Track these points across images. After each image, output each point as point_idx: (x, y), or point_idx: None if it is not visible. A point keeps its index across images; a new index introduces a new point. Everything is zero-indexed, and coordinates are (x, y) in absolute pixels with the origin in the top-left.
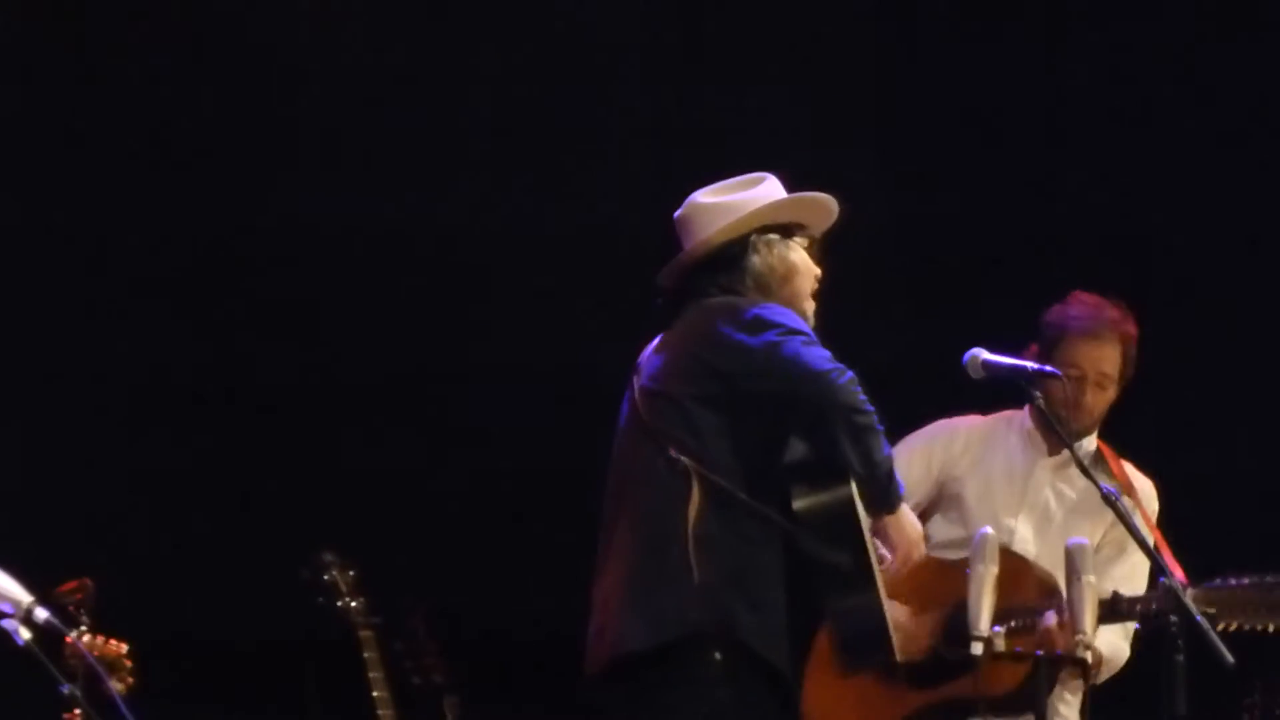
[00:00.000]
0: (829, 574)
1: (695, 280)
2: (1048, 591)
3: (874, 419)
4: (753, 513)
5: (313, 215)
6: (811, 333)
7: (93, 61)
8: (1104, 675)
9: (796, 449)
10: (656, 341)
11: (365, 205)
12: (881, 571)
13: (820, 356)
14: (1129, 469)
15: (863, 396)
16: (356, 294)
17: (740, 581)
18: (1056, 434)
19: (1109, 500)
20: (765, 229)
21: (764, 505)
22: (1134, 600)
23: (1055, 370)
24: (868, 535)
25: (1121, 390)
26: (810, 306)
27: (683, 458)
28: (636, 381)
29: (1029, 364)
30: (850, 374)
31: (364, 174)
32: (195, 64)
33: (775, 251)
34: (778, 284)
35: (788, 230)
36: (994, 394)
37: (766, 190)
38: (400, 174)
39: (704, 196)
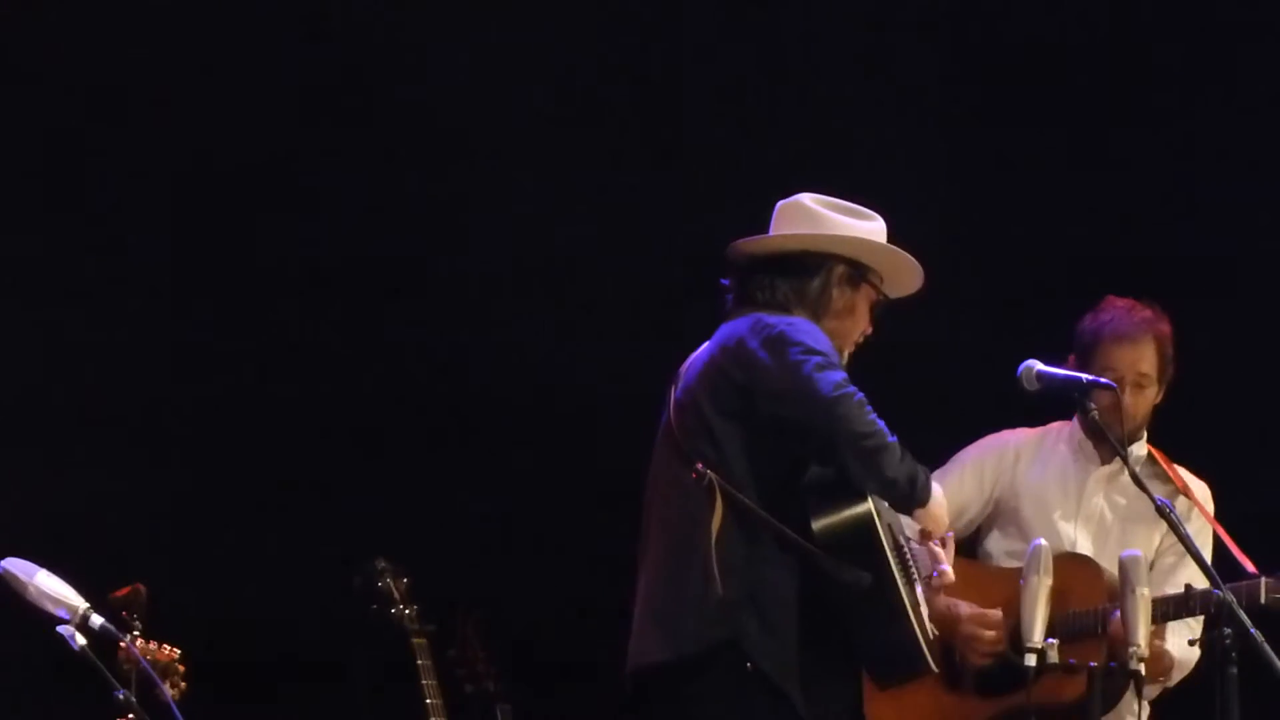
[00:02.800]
0: (849, 593)
1: (758, 274)
2: (1115, 595)
3: (883, 437)
4: (771, 530)
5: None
6: (833, 353)
7: None
8: (1176, 677)
9: (815, 469)
10: (698, 351)
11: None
12: (931, 581)
13: (830, 381)
14: (1183, 472)
15: (870, 417)
16: (402, 307)
17: (755, 599)
18: (1109, 444)
19: (1162, 512)
20: (846, 261)
21: (783, 523)
22: (1207, 594)
23: (1110, 382)
24: (890, 552)
25: (1166, 392)
26: (848, 350)
27: (708, 472)
28: (674, 390)
29: (1083, 375)
30: (859, 396)
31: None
32: None
33: (844, 286)
34: (830, 315)
35: (865, 274)
36: (1043, 404)
37: (869, 227)
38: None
39: (810, 200)
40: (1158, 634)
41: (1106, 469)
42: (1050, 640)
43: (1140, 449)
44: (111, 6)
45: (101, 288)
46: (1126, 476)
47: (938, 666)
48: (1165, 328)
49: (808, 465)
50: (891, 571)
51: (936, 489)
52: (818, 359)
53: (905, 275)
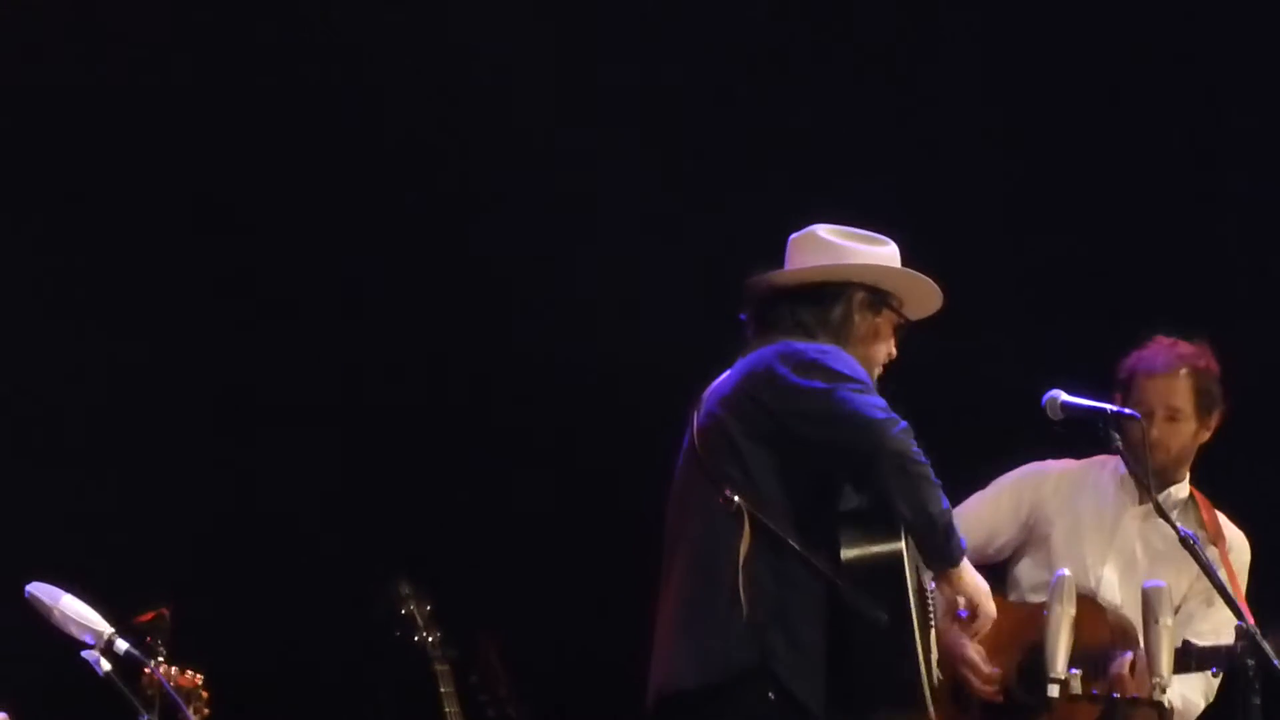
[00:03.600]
0: (866, 626)
1: (778, 306)
2: (1121, 635)
3: (929, 470)
4: (799, 556)
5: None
6: (868, 380)
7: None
8: None
9: (851, 498)
10: (718, 380)
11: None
12: (939, 627)
13: (873, 405)
14: (1222, 519)
15: (917, 448)
16: (423, 332)
17: (782, 622)
18: (1158, 488)
19: (1187, 544)
20: (866, 287)
21: (811, 550)
22: (1204, 650)
23: (1134, 413)
24: (912, 592)
25: (1210, 430)
26: (876, 374)
27: (736, 497)
28: (697, 416)
29: (1108, 406)
30: (904, 424)
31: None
32: None
33: (865, 312)
34: (855, 341)
35: (885, 299)
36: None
37: (885, 253)
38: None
39: (824, 231)
40: None
41: (1143, 507)
42: (1073, 671)
43: (1181, 490)
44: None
45: (117, 307)
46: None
47: (939, 712)
48: (1205, 363)
49: (839, 491)
50: (912, 614)
51: (970, 568)
52: (855, 385)
53: (924, 297)
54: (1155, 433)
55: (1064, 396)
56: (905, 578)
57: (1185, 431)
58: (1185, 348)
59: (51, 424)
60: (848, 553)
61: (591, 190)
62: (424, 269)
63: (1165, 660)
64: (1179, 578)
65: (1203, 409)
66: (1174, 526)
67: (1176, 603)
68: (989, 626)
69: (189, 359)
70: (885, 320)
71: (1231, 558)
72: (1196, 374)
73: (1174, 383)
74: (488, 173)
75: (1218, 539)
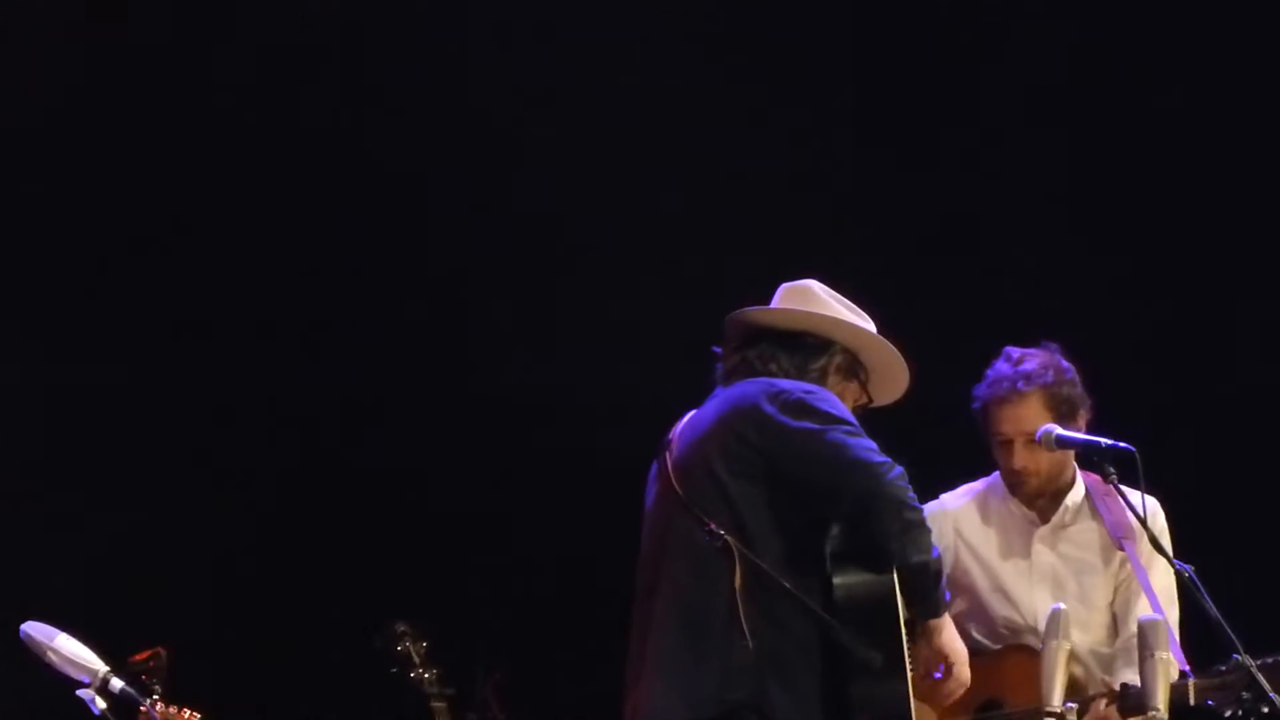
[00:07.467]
0: (860, 663)
1: (758, 346)
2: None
3: (923, 516)
4: (790, 594)
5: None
6: (856, 422)
7: None
8: None
9: (839, 535)
10: (689, 417)
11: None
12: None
13: (867, 448)
14: (1130, 493)
15: (912, 493)
16: (428, 364)
17: (776, 661)
18: (1036, 503)
19: (1181, 577)
20: (847, 351)
21: (801, 585)
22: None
23: (1128, 446)
24: (903, 627)
25: (1085, 422)
26: None
27: (722, 533)
28: (669, 456)
29: (1102, 440)
30: (899, 469)
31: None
32: None
33: (840, 374)
34: None
35: (858, 370)
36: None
37: (869, 327)
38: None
39: (820, 288)
40: None
41: (1046, 526)
42: (1070, 705)
43: (1076, 494)
44: None
45: (123, 336)
46: (1071, 528)
47: None
48: (1054, 374)
49: (826, 527)
50: (904, 652)
51: (951, 625)
52: (846, 426)
53: (894, 381)
54: (1018, 460)
55: (1059, 430)
56: (898, 611)
57: (1048, 451)
58: (1029, 363)
59: (46, 461)
60: (840, 590)
61: (571, 231)
62: (414, 318)
63: (1161, 693)
64: (1107, 579)
65: (1065, 417)
66: (1169, 560)
67: (1110, 599)
68: (960, 692)
69: (186, 395)
70: (852, 391)
71: (1150, 523)
72: (1047, 391)
73: (1023, 409)
74: (477, 204)
75: (1128, 536)
